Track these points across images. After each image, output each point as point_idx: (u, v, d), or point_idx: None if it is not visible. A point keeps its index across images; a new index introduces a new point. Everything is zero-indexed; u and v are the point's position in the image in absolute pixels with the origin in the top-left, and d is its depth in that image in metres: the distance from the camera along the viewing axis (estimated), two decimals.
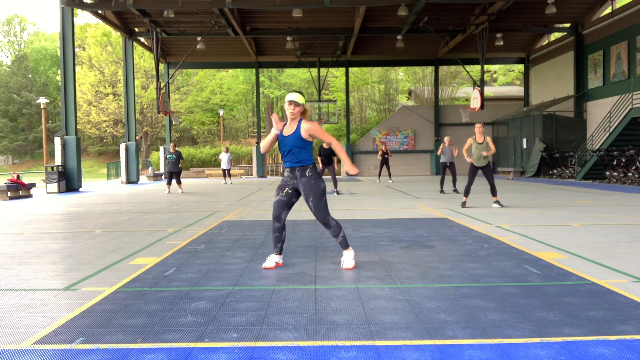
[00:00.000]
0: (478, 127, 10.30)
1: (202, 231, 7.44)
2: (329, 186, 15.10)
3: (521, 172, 25.23)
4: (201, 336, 3.03)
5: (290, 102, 4.73)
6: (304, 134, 4.69)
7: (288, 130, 4.77)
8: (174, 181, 16.50)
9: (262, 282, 4.32)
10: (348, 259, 4.84)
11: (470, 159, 10.30)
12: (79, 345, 2.91)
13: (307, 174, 4.76)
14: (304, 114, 4.81)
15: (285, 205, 4.83)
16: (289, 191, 4.83)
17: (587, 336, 2.96)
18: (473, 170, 10.31)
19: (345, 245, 4.87)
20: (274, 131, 4.79)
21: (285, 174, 4.89)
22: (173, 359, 2.71)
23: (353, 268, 4.78)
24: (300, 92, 4.82)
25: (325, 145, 14.67)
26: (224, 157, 21.44)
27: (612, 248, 5.68)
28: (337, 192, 14.67)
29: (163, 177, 28.34)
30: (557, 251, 5.55)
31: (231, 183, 22.31)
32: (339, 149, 4.91)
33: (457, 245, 6.00)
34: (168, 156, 16.10)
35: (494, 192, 10.35)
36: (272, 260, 4.90)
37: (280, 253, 4.93)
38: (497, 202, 10.39)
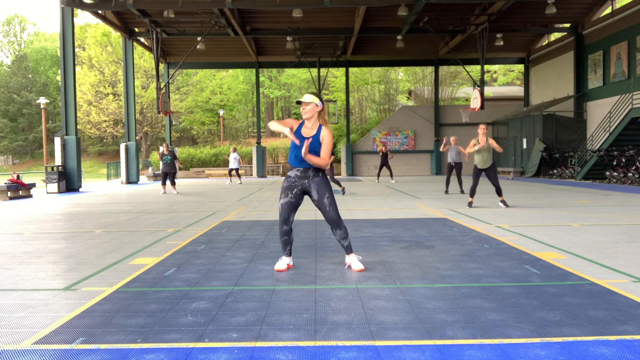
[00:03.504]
0: (482, 128, 10.16)
1: (202, 231, 7.44)
2: (333, 186, 15.10)
3: (521, 172, 25.22)
4: (201, 336, 3.03)
5: (300, 103, 4.70)
6: (321, 140, 4.66)
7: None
8: (168, 181, 16.47)
9: (262, 282, 4.32)
10: (355, 261, 4.79)
11: (474, 149, 10.06)
12: (79, 345, 2.91)
13: (319, 174, 4.76)
14: (321, 114, 4.75)
15: (293, 207, 4.78)
16: (297, 192, 4.77)
17: (587, 336, 2.96)
18: (477, 173, 10.28)
19: (351, 249, 4.84)
20: (287, 131, 4.61)
21: (293, 174, 4.78)
22: (173, 359, 2.71)
23: (364, 270, 4.71)
24: (313, 94, 4.73)
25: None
26: (232, 157, 21.60)
27: (612, 248, 5.68)
28: (343, 191, 14.62)
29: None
30: (557, 251, 5.55)
31: (240, 183, 22.45)
32: (326, 161, 4.73)
33: (457, 245, 6.00)
34: (163, 157, 16.06)
35: (499, 192, 10.30)
36: (284, 262, 4.84)
37: (290, 255, 4.88)
38: (503, 201, 10.32)
